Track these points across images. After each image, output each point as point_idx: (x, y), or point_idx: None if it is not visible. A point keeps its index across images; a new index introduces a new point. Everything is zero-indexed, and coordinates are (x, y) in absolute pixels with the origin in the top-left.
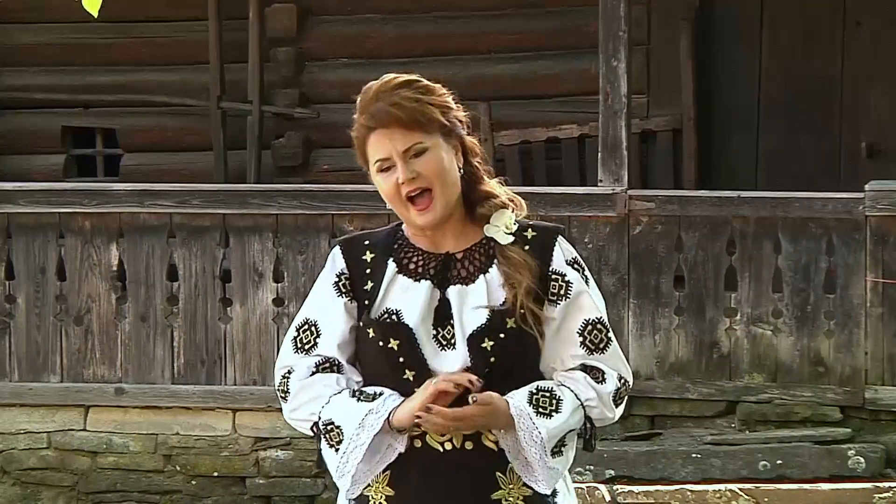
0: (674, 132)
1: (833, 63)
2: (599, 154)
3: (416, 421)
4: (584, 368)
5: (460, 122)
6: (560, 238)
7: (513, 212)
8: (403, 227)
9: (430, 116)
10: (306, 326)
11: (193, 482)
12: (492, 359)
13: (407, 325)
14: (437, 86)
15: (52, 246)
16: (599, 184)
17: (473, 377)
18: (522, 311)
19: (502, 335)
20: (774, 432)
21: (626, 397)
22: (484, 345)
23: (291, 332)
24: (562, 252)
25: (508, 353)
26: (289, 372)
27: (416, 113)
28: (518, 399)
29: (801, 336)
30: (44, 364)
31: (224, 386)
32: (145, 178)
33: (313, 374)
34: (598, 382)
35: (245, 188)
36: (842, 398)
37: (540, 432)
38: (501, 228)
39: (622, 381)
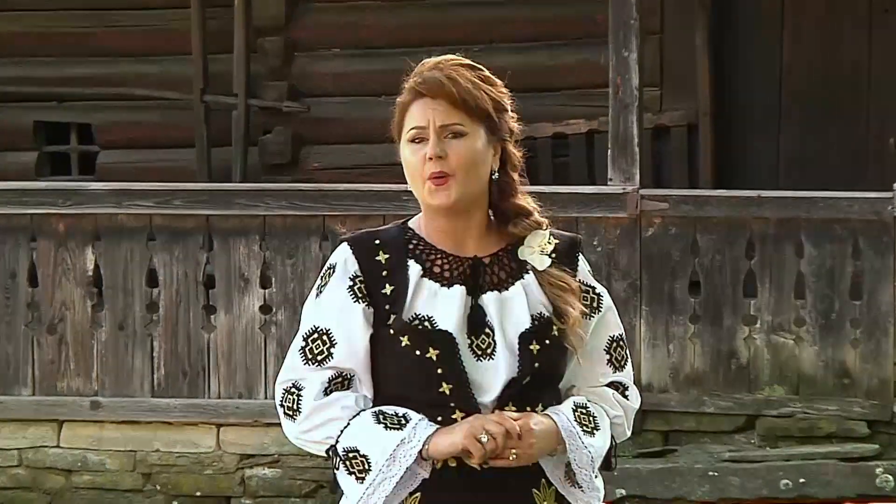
0: (689, 127)
1: (860, 53)
2: (609, 151)
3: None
4: (612, 385)
5: (510, 129)
6: (580, 249)
7: (546, 229)
8: (412, 224)
9: (480, 104)
10: (317, 335)
11: (175, 502)
12: (537, 364)
13: (448, 333)
14: (501, 83)
15: (24, 249)
16: (609, 183)
17: (516, 422)
18: (570, 334)
19: (548, 341)
20: (797, 448)
21: None
22: (532, 347)
23: (298, 343)
24: (584, 263)
25: (550, 361)
26: (294, 386)
27: (468, 94)
28: (563, 417)
29: (825, 346)
30: (14, 376)
31: (207, 399)
32: (123, 176)
33: (327, 390)
34: (624, 398)
35: (230, 188)
36: (869, 412)
37: (590, 452)
38: (537, 250)
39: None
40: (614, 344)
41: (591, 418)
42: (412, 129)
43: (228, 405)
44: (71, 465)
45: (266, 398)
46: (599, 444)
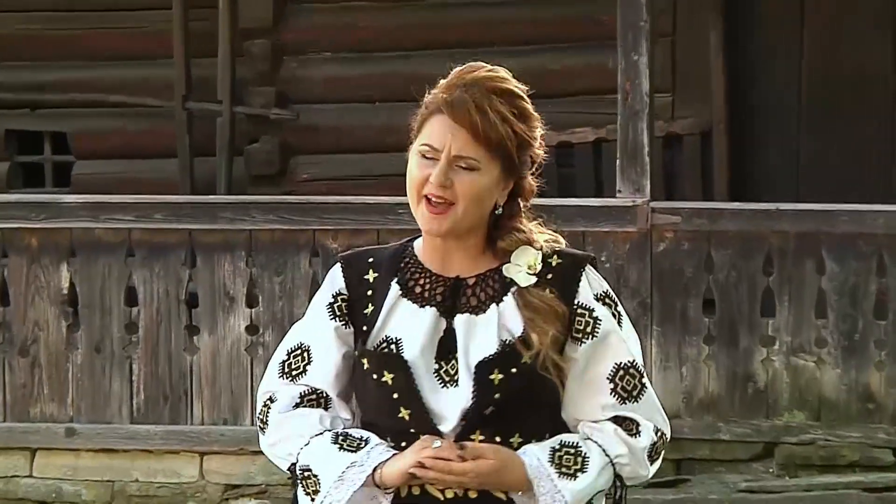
0: (702, 135)
1: (884, 55)
2: (618, 161)
3: (414, 472)
4: (616, 420)
5: (532, 160)
6: (589, 268)
7: (540, 249)
8: (414, 244)
9: (505, 144)
10: (298, 351)
11: None
12: (497, 395)
13: (401, 358)
14: (536, 116)
15: None
16: (618, 195)
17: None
18: (544, 361)
19: (514, 370)
20: (818, 478)
21: (662, 452)
22: (492, 377)
23: (280, 355)
24: (589, 284)
25: (517, 391)
26: (270, 399)
27: (495, 132)
28: (535, 457)
29: (848, 368)
30: None
31: (190, 426)
32: (100, 188)
33: (296, 405)
34: (631, 436)
35: (214, 200)
36: (895, 439)
37: (564, 496)
38: (523, 269)
39: (659, 433)
40: (621, 371)
41: (578, 459)
42: (425, 144)
43: (212, 432)
44: (45, 496)
45: (253, 424)
46: (581, 487)
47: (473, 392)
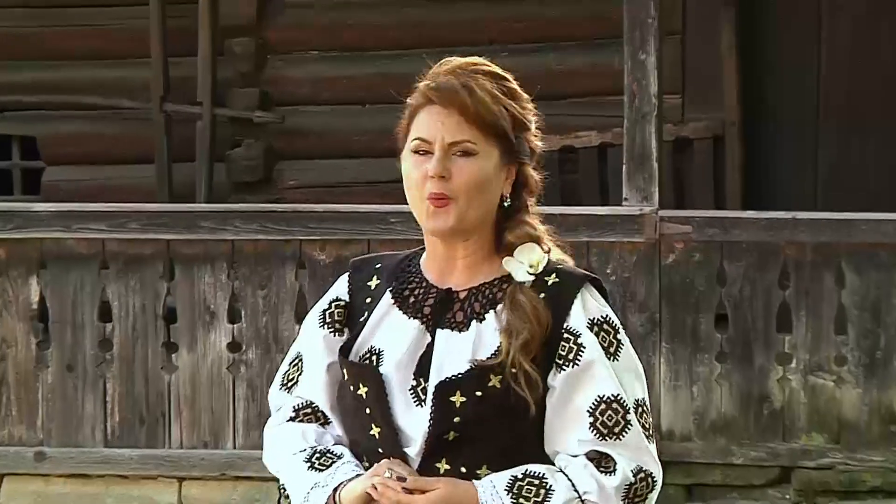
0: (714, 139)
1: None
2: (624, 166)
3: (370, 493)
4: (591, 455)
5: (530, 149)
6: (585, 290)
7: (548, 252)
8: (425, 252)
9: (497, 121)
10: (296, 360)
11: None
12: (456, 419)
13: (375, 370)
14: (527, 97)
15: None
16: (624, 203)
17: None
18: (514, 369)
19: (479, 393)
20: None
21: (648, 496)
22: (453, 399)
23: (284, 364)
24: (583, 307)
25: (482, 417)
26: (275, 411)
27: (486, 108)
28: (490, 484)
29: (869, 387)
30: None
31: (168, 449)
32: (72, 196)
33: (291, 419)
34: (603, 473)
35: (194, 209)
36: None
37: None
38: (525, 265)
39: (640, 474)
40: (602, 405)
41: (540, 491)
42: (416, 139)
43: (192, 456)
44: None
45: (234, 447)
46: None
47: (431, 415)
